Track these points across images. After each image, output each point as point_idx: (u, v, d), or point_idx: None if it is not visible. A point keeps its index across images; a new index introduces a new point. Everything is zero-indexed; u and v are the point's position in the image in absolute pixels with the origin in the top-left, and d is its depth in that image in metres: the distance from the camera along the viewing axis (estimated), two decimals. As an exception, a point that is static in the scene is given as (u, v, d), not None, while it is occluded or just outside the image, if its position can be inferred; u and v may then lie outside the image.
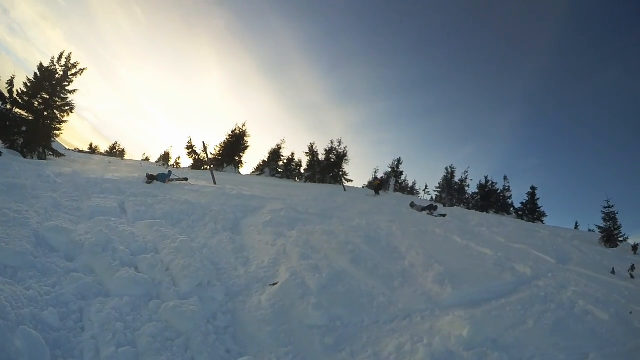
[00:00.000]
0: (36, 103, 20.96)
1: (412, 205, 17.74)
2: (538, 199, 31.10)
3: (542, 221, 29.84)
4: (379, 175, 30.03)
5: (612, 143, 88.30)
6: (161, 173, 14.30)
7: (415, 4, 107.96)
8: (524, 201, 31.57)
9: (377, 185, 25.32)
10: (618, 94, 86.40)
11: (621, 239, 17.68)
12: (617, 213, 18.44)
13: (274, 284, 5.66)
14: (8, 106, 20.62)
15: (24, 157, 18.57)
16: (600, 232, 18.45)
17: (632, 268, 9.30)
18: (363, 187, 33.59)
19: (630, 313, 6.24)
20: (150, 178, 13.40)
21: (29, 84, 21.04)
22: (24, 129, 20.43)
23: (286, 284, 5.58)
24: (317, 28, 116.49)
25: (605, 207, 18.87)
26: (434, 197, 35.22)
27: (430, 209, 16.46)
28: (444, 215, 15.21)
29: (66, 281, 4.48)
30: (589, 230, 23.56)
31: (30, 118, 20.78)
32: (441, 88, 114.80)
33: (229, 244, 7.23)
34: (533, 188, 31.25)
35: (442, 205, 18.83)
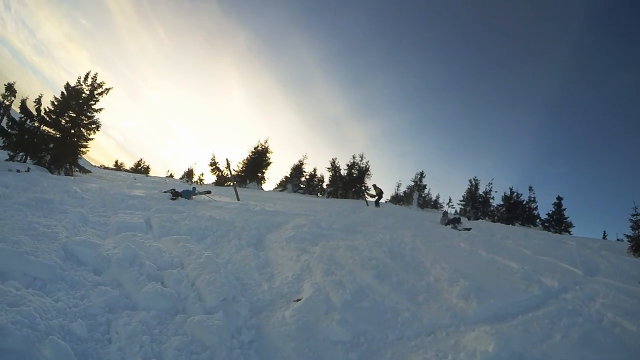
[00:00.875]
0: (63, 121, 21.56)
1: (445, 214, 17.71)
2: (564, 209, 30.64)
3: (569, 232, 29.37)
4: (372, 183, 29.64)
5: (638, 145, 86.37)
6: (185, 190, 14.40)
7: (434, 15, 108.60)
8: (550, 212, 31.14)
9: (378, 194, 24.66)
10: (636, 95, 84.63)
11: None
12: None
13: (297, 300, 5.66)
14: (36, 124, 21.26)
15: (51, 173, 19.02)
16: (628, 241, 18.04)
17: None
18: (386, 202, 33.56)
19: None
20: (175, 194, 13.55)
21: (56, 103, 21.71)
22: (51, 145, 21.01)
23: (310, 300, 5.57)
24: (337, 44, 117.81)
25: (633, 215, 18.47)
26: (458, 211, 34.97)
27: (455, 222, 16.35)
28: (469, 229, 15.06)
29: (94, 294, 4.56)
30: (618, 240, 23.11)
31: (58, 135, 21.35)
32: (461, 97, 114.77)
33: (253, 259, 7.25)
34: (559, 198, 30.84)
35: (467, 218, 18.67)
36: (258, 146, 38.57)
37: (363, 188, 35.25)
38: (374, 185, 25.30)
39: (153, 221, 8.92)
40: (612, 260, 11.48)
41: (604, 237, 30.45)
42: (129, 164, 60.33)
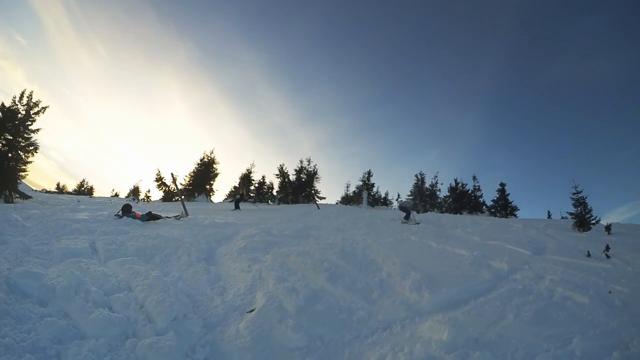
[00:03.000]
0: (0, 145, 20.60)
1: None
2: (508, 194, 31.70)
3: (515, 215, 30.40)
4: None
5: (571, 129, 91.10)
6: (131, 213, 13.75)
7: (370, 21, 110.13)
8: (495, 198, 32.11)
9: (239, 196, 24.10)
10: (572, 81, 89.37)
11: (593, 222, 18.08)
12: (586, 197, 18.96)
13: (251, 311, 5.65)
14: None
15: (-11, 200, 18.19)
16: (572, 218, 18.90)
17: (607, 248, 9.49)
18: (337, 203, 33.79)
19: (610, 292, 6.43)
20: (125, 211, 13.16)
21: None
22: (-13, 172, 20.03)
23: (263, 309, 5.57)
24: (280, 53, 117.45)
25: (574, 194, 19.36)
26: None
27: (406, 217, 16.66)
28: (418, 223, 15.39)
29: (41, 326, 4.38)
30: (562, 218, 24.07)
31: None
32: (401, 99, 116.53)
33: (204, 274, 7.18)
34: (502, 184, 31.89)
35: (415, 212, 18.98)
36: (204, 158, 37.99)
37: (313, 192, 35.40)
38: (239, 185, 25.12)
39: (98, 245, 8.67)
40: (558, 238, 12.02)
41: (549, 216, 31.53)
42: (71, 186, 58.13)
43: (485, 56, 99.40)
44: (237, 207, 22.10)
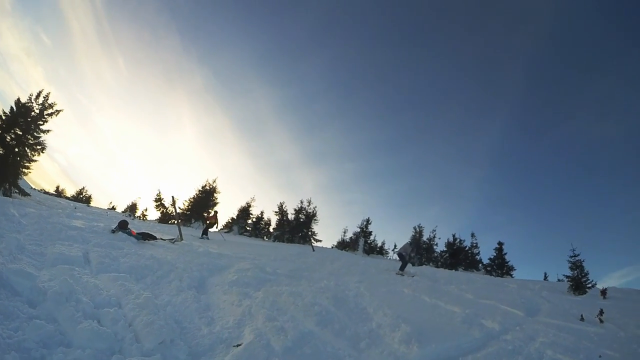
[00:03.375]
0: (8, 138, 20.65)
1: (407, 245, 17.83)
2: (505, 253, 31.84)
3: (511, 275, 30.40)
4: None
5: (574, 192, 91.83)
6: (127, 230, 13.56)
7: (383, 72, 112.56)
8: (492, 257, 32.17)
9: (209, 223, 22.73)
10: (576, 145, 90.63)
11: (589, 285, 18.14)
12: (583, 261, 19.16)
13: (238, 345, 5.56)
14: None
15: (-12, 191, 18.15)
16: (568, 281, 18.97)
17: (601, 312, 9.56)
18: (332, 247, 33.66)
19: (600, 357, 6.37)
20: (121, 227, 13.07)
21: (4, 117, 20.81)
22: (-8, 162, 20.05)
23: (250, 345, 5.47)
24: (293, 92, 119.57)
25: (571, 257, 19.48)
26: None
27: (402, 267, 16.48)
28: (413, 276, 15.27)
29: (29, 327, 4.33)
30: (558, 280, 24.03)
31: (1, 152, 20.41)
32: (408, 151, 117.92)
33: (194, 302, 7.09)
34: (500, 243, 32.07)
35: (410, 264, 18.88)
36: (206, 185, 38.17)
37: (310, 233, 35.34)
38: (212, 215, 23.72)
39: (91, 256, 8.62)
40: (552, 300, 11.95)
41: (545, 278, 31.55)
42: (70, 191, 58.27)
43: (494, 114, 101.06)
44: (204, 234, 20.89)
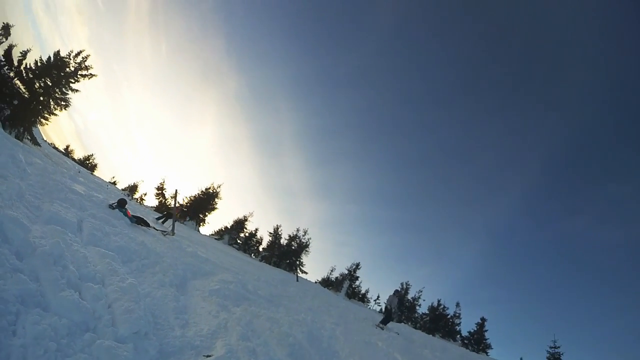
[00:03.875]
0: (37, 84, 20.95)
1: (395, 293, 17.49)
2: (486, 330, 31.77)
3: (486, 353, 30.13)
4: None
5: (565, 287, 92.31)
6: (123, 209, 13.37)
7: (408, 126, 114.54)
8: (472, 330, 32.05)
9: (167, 214, 21.17)
10: (579, 243, 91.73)
11: None
12: (562, 354, 18.90)
13: (208, 356, 5.43)
14: (11, 74, 20.48)
15: (3, 129, 18.18)
16: None
17: None
18: (316, 282, 33.48)
19: None
20: (120, 204, 12.97)
21: (39, 64, 21.13)
22: (15, 102, 20.16)
23: (221, 360, 5.36)
24: (316, 122, 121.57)
25: (551, 347, 19.34)
26: (382, 310, 35.16)
27: (385, 320, 16.16)
28: (397, 333, 15.01)
29: (11, 279, 4.23)
30: None
31: (26, 95, 20.58)
32: (413, 207, 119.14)
33: (172, 301, 6.96)
34: (483, 319, 32.16)
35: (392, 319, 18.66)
36: (210, 188, 38.28)
37: (297, 262, 35.27)
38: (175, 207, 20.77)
39: (85, 225, 8.50)
40: None
41: None
42: (78, 154, 58.67)
43: (504, 192, 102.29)
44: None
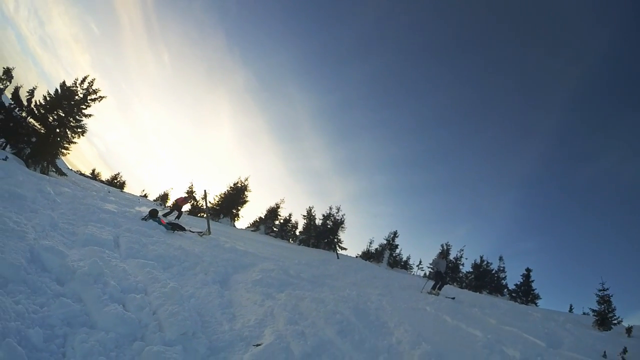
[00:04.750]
0: (51, 118, 21.43)
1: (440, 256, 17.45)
2: (533, 281, 31.35)
3: (535, 304, 29.91)
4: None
5: (608, 227, 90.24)
6: (157, 218, 13.60)
7: (422, 84, 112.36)
8: (518, 283, 31.78)
9: (171, 207, 20.09)
10: (616, 179, 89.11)
11: (615, 321, 17.65)
12: (611, 296, 18.54)
13: (258, 345, 5.52)
14: (24, 114, 21.04)
15: (28, 167, 18.67)
16: (594, 315, 18.49)
17: (625, 351, 9.32)
18: (357, 257, 33.54)
19: None
20: (152, 215, 13.22)
21: (48, 98, 21.64)
22: (33, 139, 20.70)
23: (270, 347, 5.43)
24: (330, 100, 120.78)
25: (600, 290, 18.95)
26: (427, 274, 35.09)
27: (440, 286, 16.04)
28: (454, 298, 14.98)
29: (54, 304, 4.38)
30: (583, 314, 23.55)
31: (42, 131, 21.08)
32: (441, 167, 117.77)
33: (217, 297, 7.09)
34: (528, 270, 31.59)
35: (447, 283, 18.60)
36: (238, 183, 38.66)
37: (335, 240, 35.28)
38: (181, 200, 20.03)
39: (121, 240, 8.75)
40: (576, 334, 11.65)
41: (570, 310, 30.86)
42: (105, 176, 59.78)
43: (534, 137, 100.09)
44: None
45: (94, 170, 59.75)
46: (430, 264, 35.73)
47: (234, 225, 35.84)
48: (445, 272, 16.86)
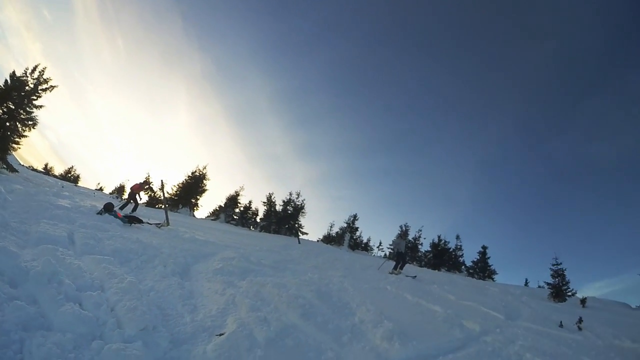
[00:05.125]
0: (0, 111, 20.41)
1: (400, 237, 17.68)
2: (489, 257, 32.52)
3: (492, 279, 30.98)
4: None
5: (559, 204, 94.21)
6: (112, 212, 13.38)
7: (382, 71, 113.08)
8: (475, 260, 32.76)
9: (126, 200, 19.72)
10: (571, 160, 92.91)
11: (570, 293, 18.49)
12: (564, 270, 19.36)
13: (220, 334, 5.53)
14: None
15: (-24, 164, 17.94)
16: (549, 288, 19.29)
17: (580, 321, 9.70)
18: (318, 241, 33.78)
19: None
20: (107, 209, 12.95)
21: None
22: (-18, 135, 19.84)
23: (233, 335, 5.45)
24: (290, 84, 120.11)
25: (553, 265, 19.79)
26: (387, 254, 35.70)
27: (401, 266, 16.29)
28: (415, 277, 15.23)
29: (8, 308, 4.24)
30: (539, 287, 24.47)
31: None
32: (400, 152, 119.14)
33: (177, 289, 7.05)
34: (484, 247, 32.83)
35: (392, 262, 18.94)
36: (196, 171, 38.18)
37: (296, 225, 35.43)
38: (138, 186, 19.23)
39: (76, 236, 8.54)
40: (532, 306, 12.11)
41: (526, 284, 32.10)
42: (58, 170, 58.03)
43: (490, 122, 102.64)
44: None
45: (46, 165, 57.92)
46: (390, 245, 36.45)
47: (194, 215, 35.44)
48: (405, 252, 17.15)
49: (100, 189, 46.88)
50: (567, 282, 19.13)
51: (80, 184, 48.60)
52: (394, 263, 16.80)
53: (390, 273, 15.52)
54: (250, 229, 35.29)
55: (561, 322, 9.64)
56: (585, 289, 66.06)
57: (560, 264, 19.77)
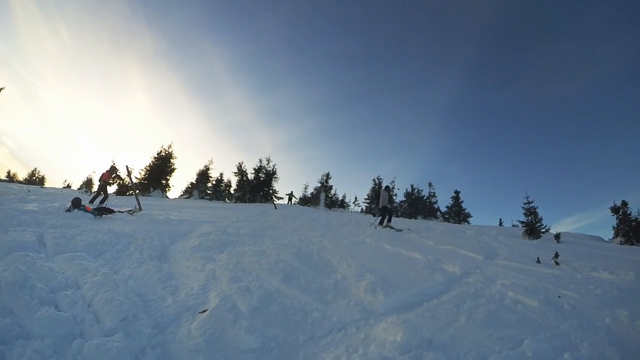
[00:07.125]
0: None
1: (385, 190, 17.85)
2: (462, 201, 33.44)
3: (468, 222, 31.82)
4: None
5: (525, 146, 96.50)
6: (81, 207, 13.17)
7: (339, 26, 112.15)
8: (449, 205, 33.57)
9: (97, 191, 19.35)
10: (529, 103, 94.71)
11: (543, 230, 18.93)
12: (537, 207, 19.88)
13: (203, 311, 5.54)
14: None
15: None
16: (523, 226, 19.74)
17: (556, 255, 9.91)
18: (294, 204, 33.92)
19: (559, 297, 6.66)
20: (75, 205, 12.73)
21: None
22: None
23: (216, 310, 5.46)
24: (246, 51, 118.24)
25: (525, 203, 20.21)
26: (363, 209, 36.12)
27: (388, 219, 16.50)
28: (409, 229, 15.43)
29: (-17, 325, 4.18)
30: (513, 226, 25.20)
31: None
32: (365, 105, 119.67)
33: (156, 273, 7.02)
34: (457, 192, 33.60)
35: (372, 215, 19.20)
36: (161, 151, 37.53)
37: (271, 191, 35.44)
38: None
39: (47, 238, 8.37)
40: (509, 244, 12.39)
41: (500, 224, 32.97)
42: (22, 175, 56.60)
43: (449, 69, 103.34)
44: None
45: (9, 172, 56.42)
46: (367, 199, 36.97)
47: (167, 197, 35.05)
48: (389, 206, 17.38)
49: (68, 186, 46.13)
50: (540, 219, 19.59)
51: (46, 185, 47.78)
52: (379, 218, 17.05)
53: (384, 227, 15.76)
54: (225, 202, 35.21)
55: (538, 258, 9.87)
56: (558, 225, 68.44)
57: (532, 202, 20.23)
